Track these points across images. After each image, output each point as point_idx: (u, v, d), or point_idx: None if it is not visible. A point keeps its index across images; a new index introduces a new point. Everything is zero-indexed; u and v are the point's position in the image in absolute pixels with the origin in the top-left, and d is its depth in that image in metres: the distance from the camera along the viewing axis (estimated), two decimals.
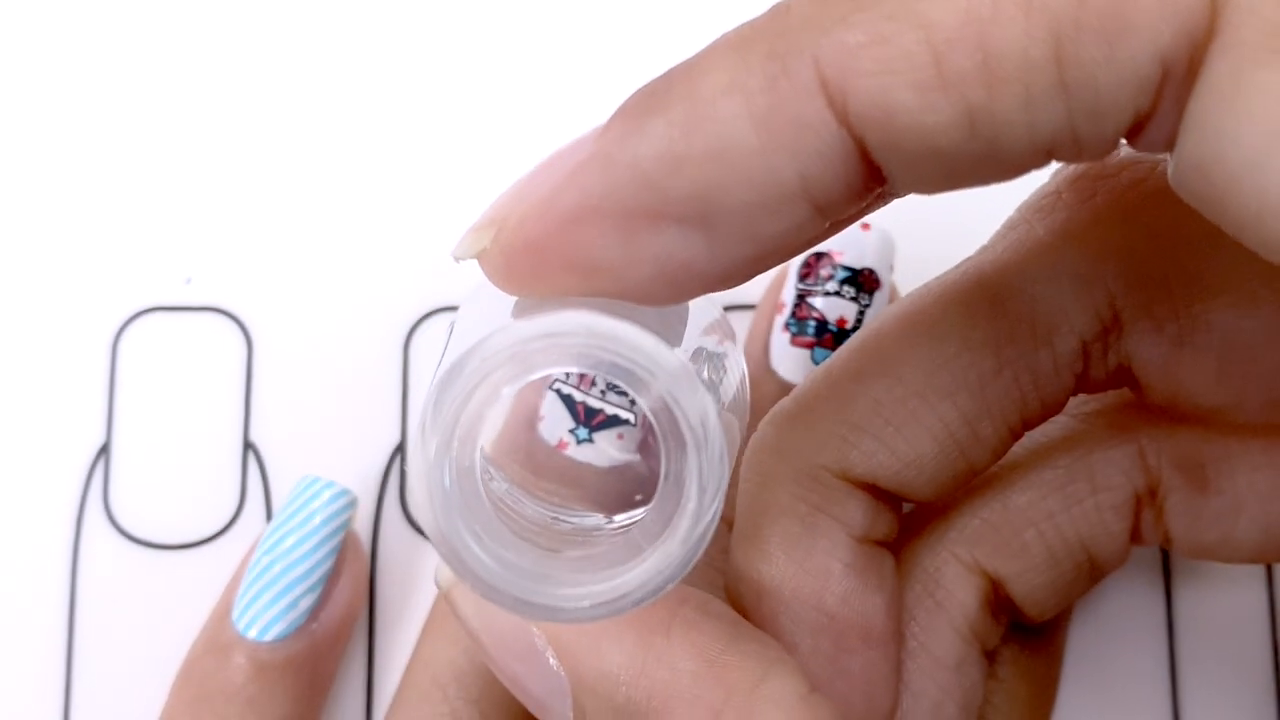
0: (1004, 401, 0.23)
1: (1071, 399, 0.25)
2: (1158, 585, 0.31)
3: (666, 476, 0.19)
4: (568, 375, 0.28)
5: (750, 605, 0.24)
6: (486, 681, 0.27)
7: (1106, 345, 0.24)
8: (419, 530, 0.31)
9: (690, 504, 0.19)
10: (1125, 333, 0.23)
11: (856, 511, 0.24)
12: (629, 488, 0.25)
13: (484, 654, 0.23)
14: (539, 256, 0.20)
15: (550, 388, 0.28)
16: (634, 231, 0.19)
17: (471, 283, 0.23)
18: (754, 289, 0.31)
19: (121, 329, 0.32)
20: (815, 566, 0.23)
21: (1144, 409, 0.25)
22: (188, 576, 0.31)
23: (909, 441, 0.23)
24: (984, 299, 0.23)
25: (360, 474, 0.31)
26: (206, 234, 0.33)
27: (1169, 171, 0.19)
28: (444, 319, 0.32)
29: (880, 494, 0.24)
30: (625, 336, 0.19)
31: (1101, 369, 0.24)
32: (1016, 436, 0.24)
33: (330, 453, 0.32)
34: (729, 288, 0.20)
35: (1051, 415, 0.24)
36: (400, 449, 0.32)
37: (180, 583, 0.31)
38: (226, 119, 0.34)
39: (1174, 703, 0.31)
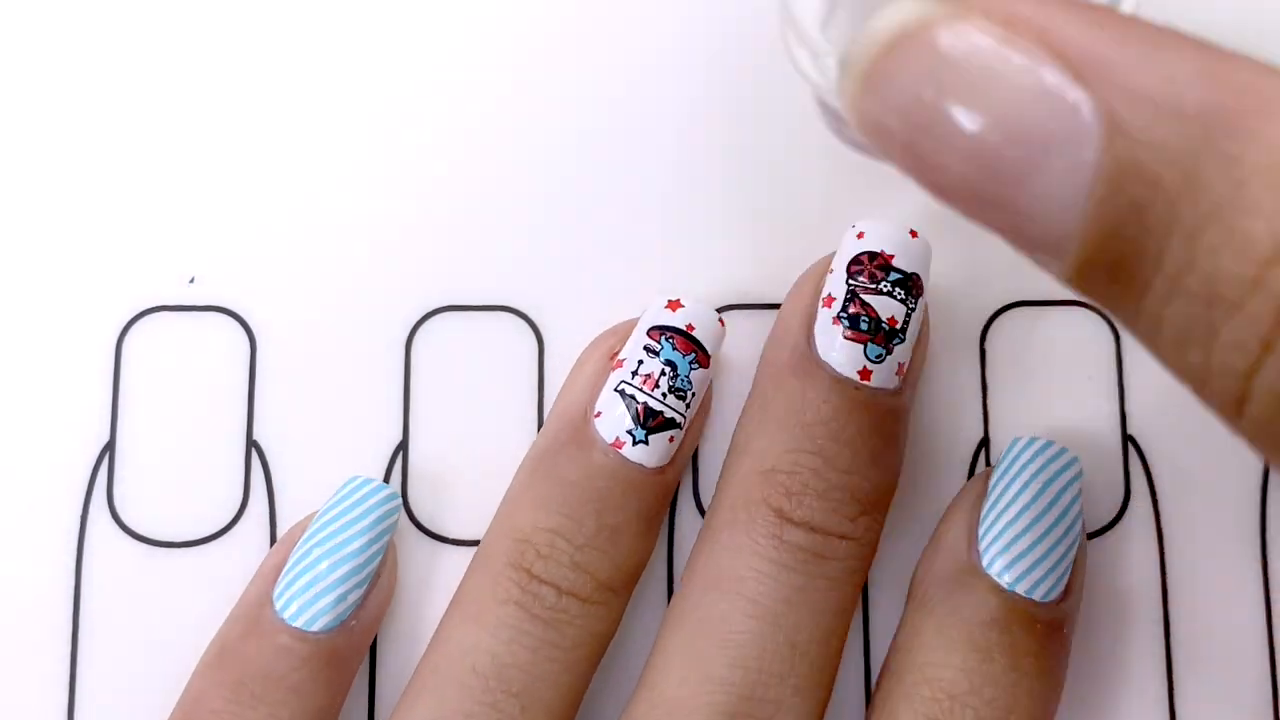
0: None
1: None
2: (1155, 591, 0.31)
3: None
4: (632, 374, 0.29)
5: None
6: (530, 677, 0.27)
7: None
8: (422, 529, 0.32)
9: None
10: None
11: None
12: None
13: (960, 149, 0.17)
14: None
15: (615, 389, 0.29)
16: None
17: None
18: (778, 288, 0.31)
19: (125, 328, 0.32)
20: None
21: None
22: (192, 574, 0.31)
23: None
24: None
25: (362, 472, 0.32)
26: (210, 234, 0.33)
27: None
28: (445, 319, 0.33)
29: None
30: None
31: None
32: None
33: (333, 451, 0.32)
34: None
35: None
36: (402, 447, 0.32)
37: (184, 580, 0.31)
38: (229, 119, 0.34)
39: (1171, 709, 0.31)
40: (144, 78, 0.34)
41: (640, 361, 0.29)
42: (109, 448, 0.32)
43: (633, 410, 0.29)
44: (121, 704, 0.30)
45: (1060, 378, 0.32)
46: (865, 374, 0.28)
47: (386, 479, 0.32)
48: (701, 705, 0.26)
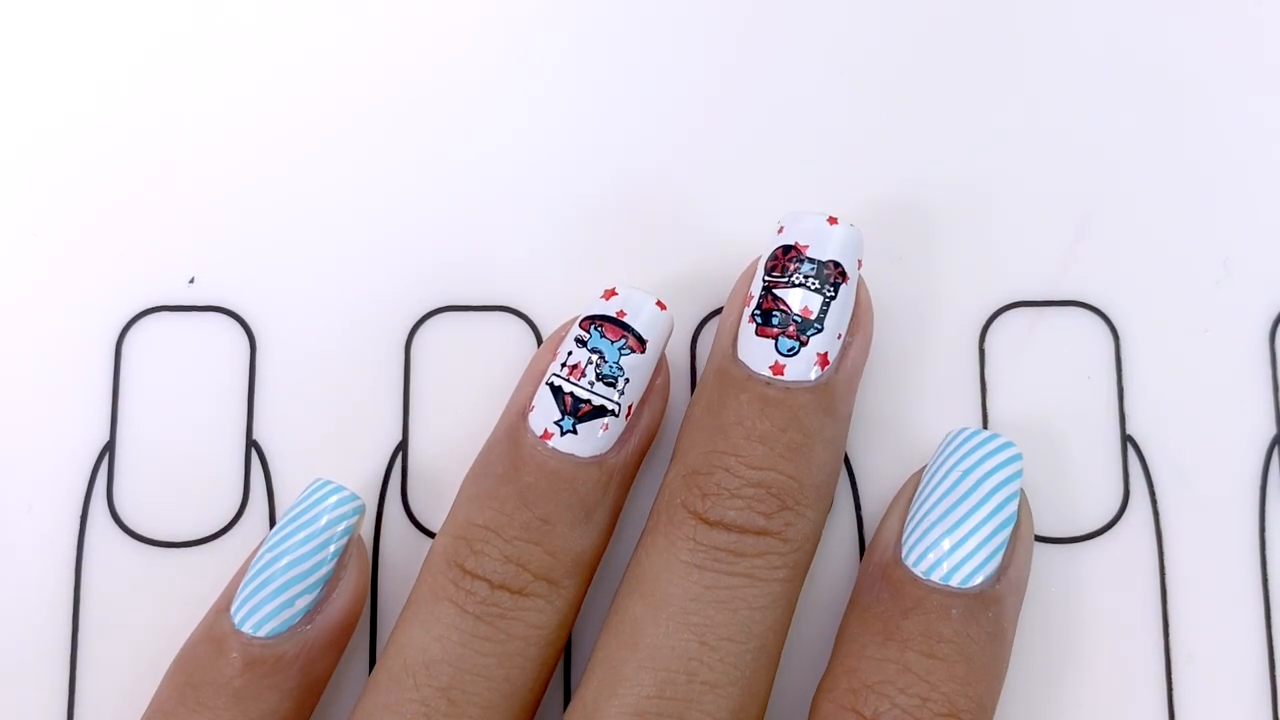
0: None
1: None
2: (1154, 591, 0.31)
3: None
4: (561, 366, 0.29)
5: None
6: (459, 671, 0.27)
7: None
8: (420, 529, 0.32)
9: None
10: None
11: None
12: None
13: None
14: None
15: (545, 382, 0.29)
16: None
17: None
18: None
19: (125, 328, 0.33)
20: None
21: None
22: (191, 574, 0.31)
23: None
24: None
25: (362, 472, 0.32)
26: (210, 234, 0.33)
27: None
28: (445, 319, 0.33)
29: None
30: None
31: None
32: None
33: (333, 451, 0.32)
34: None
35: None
36: (402, 447, 0.32)
37: (183, 580, 0.31)
38: (230, 119, 0.34)
39: (1170, 707, 0.31)
40: (144, 78, 0.34)
41: (570, 353, 0.29)
42: (109, 448, 0.32)
43: (560, 401, 0.29)
44: (121, 704, 0.30)
45: (1060, 378, 0.32)
46: (778, 369, 0.28)
47: (386, 479, 0.32)
48: (613, 708, 0.27)
